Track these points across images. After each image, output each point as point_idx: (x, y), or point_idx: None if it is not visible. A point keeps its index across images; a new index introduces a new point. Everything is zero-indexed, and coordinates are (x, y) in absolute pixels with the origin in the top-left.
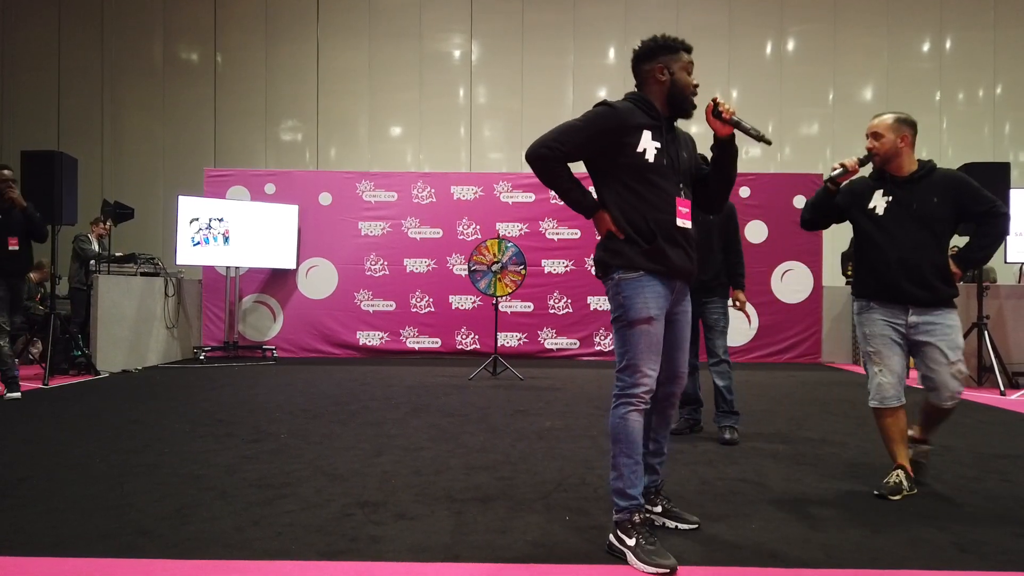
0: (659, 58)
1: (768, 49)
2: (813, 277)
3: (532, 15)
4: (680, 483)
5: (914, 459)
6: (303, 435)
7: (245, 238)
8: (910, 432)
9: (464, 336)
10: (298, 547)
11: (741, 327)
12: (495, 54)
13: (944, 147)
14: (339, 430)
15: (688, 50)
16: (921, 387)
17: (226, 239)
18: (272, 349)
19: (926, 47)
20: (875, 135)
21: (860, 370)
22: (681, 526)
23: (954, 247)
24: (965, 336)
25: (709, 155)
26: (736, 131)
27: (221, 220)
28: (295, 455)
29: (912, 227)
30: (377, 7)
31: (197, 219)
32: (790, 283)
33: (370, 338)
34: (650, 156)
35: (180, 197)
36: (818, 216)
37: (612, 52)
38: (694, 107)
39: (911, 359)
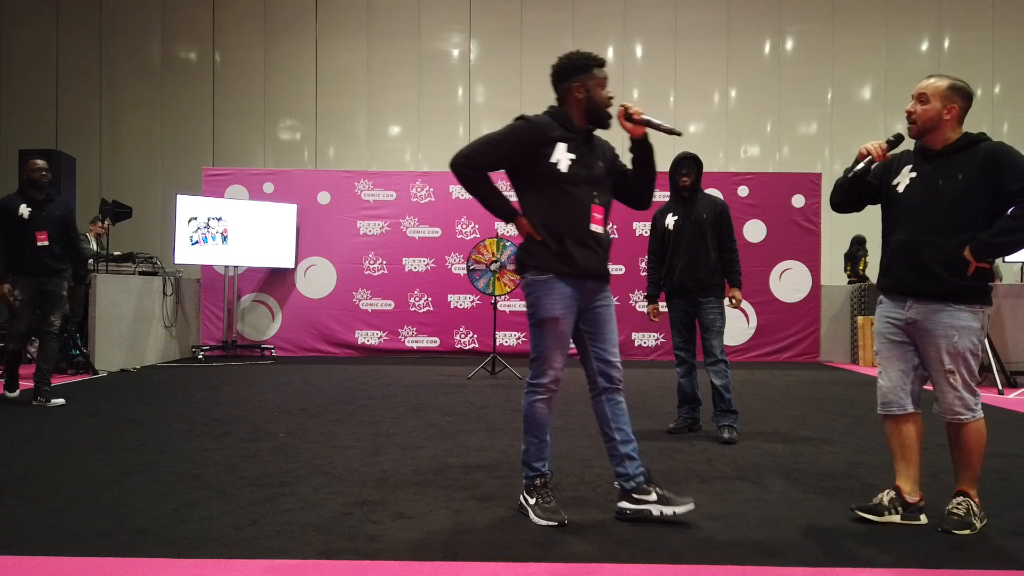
0: (576, 77)
1: (767, 49)
2: (811, 276)
3: (531, 15)
4: (679, 482)
5: (955, 516)
6: (301, 434)
7: (243, 237)
8: (959, 494)
9: (463, 335)
10: (296, 546)
11: (739, 326)
12: (494, 54)
13: None
14: (337, 429)
15: (601, 65)
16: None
17: (224, 238)
18: (270, 348)
19: (924, 47)
20: (921, 98)
21: (858, 369)
22: (678, 510)
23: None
24: None
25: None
26: (649, 129)
27: (219, 219)
28: (293, 454)
29: (931, 207)
30: (376, 6)
31: (195, 218)
32: (788, 282)
33: (369, 337)
34: (564, 167)
35: (178, 196)
36: (847, 199)
37: (611, 52)
38: (610, 118)
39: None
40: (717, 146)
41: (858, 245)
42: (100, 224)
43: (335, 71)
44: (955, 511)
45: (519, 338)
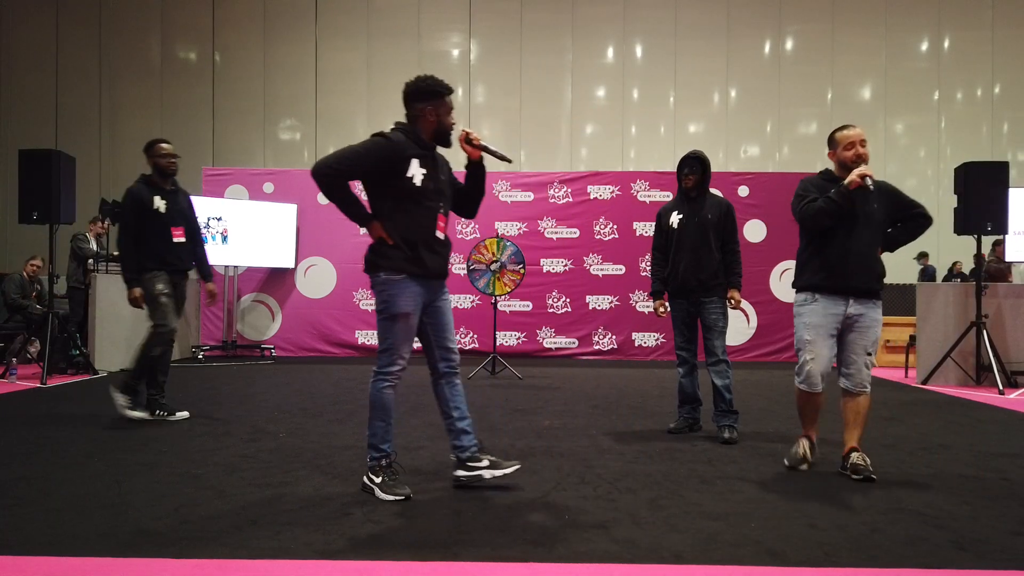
0: (430, 101)
1: (766, 49)
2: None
3: (531, 15)
4: (679, 482)
5: (855, 466)
6: (302, 434)
7: (244, 237)
8: (850, 451)
9: (463, 335)
10: (297, 546)
11: (740, 326)
12: (494, 53)
13: (943, 146)
14: (337, 429)
15: (451, 93)
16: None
17: (224, 238)
18: (270, 348)
19: (924, 47)
20: (863, 143)
21: None
22: (508, 471)
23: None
24: (964, 335)
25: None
26: (484, 153)
27: (220, 219)
28: (294, 454)
29: (864, 227)
30: (375, 6)
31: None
32: (789, 282)
33: (369, 337)
34: (417, 180)
35: None
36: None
37: (610, 52)
38: (451, 139)
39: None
40: (717, 146)
41: None
42: (100, 224)
43: (335, 71)
44: (861, 462)
45: (519, 338)
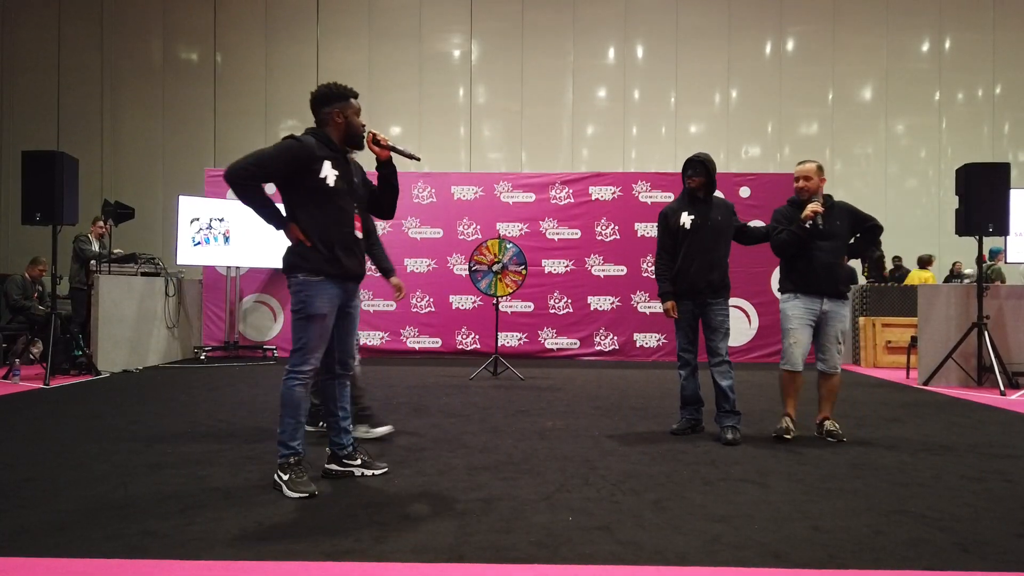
0: (335, 104)
1: (767, 49)
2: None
3: (532, 15)
4: (682, 483)
5: (829, 431)
6: (305, 435)
7: (246, 238)
8: (824, 420)
9: (464, 336)
10: (303, 547)
11: (741, 327)
12: (495, 54)
13: (943, 147)
14: None
15: (356, 96)
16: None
17: (227, 239)
18: (273, 349)
19: (925, 47)
20: (806, 178)
21: (859, 369)
22: (376, 472)
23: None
24: (965, 336)
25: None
26: (392, 153)
27: (222, 220)
28: None
29: (830, 241)
30: (377, 7)
31: (198, 219)
32: None
33: (370, 338)
34: (331, 181)
35: (181, 197)
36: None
37: (611, 53)
38: (363, 140)
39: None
40: (718, 146)
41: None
42: (102, 225)
43: (336, 72)
44: (833, 428)
45: (521, 339)
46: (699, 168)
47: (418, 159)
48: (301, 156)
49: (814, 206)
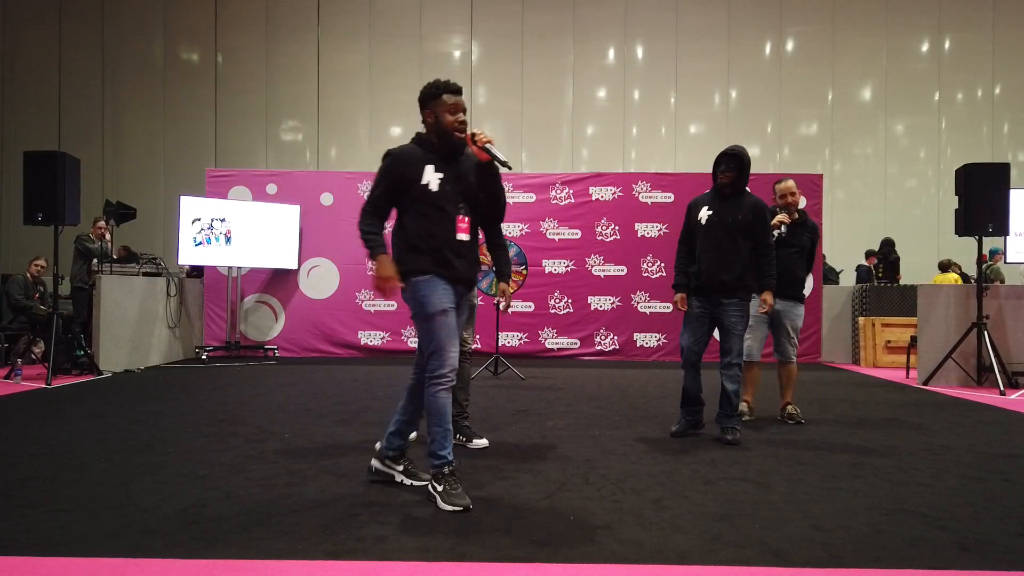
0: (427, 105)
1: (767, 50)
2: (813, 277)
3: (532, 16)
4: (683, 483)
5: (790, 415)
6: (306, 435)
7: (247, 238)
8: (786, 404)
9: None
10: (305, 547)
11: None
12: (495, 54)
13: (943, 147)
14: (342, 430)
15: (452, 91)
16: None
17: (228, 239)
18: (274, 349)
19: (925, 48)
20: (792, 193)
21: (859, 369)
22: (416, 483)
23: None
24: (965, 336)
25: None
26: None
27: (223, 220)
28: (299, 455)
29: (785, 250)
30: (377, 8)
31: (199, 219)
32: None
33: (372, 338)
34: (433, 186)
35: (182, 197)
36: None
37: (612, 53)
38: (459, 140)
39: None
40: (718, 147)
41: (889, 247)
42: (104, 225)
43: (337, 72)
44: (793, 411)
45: (522, 338)
46: (733, 162)
47: (509, 167)
48: (396, 171)
49: (781, 217)
